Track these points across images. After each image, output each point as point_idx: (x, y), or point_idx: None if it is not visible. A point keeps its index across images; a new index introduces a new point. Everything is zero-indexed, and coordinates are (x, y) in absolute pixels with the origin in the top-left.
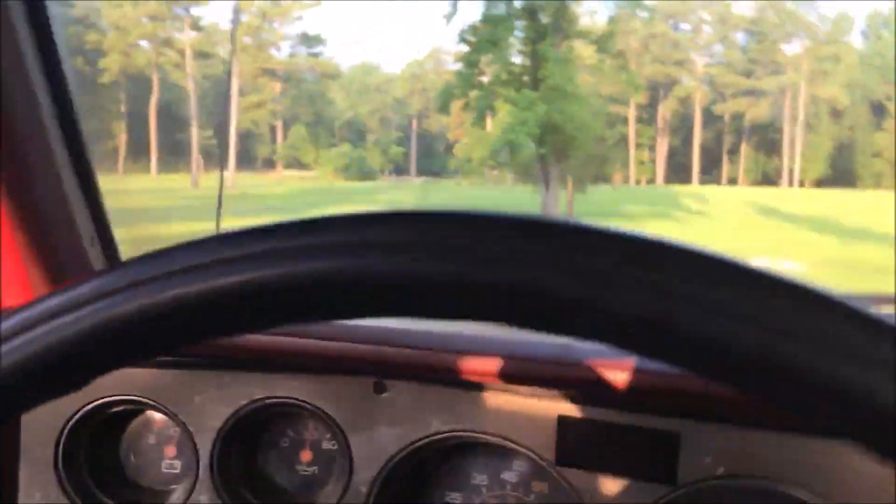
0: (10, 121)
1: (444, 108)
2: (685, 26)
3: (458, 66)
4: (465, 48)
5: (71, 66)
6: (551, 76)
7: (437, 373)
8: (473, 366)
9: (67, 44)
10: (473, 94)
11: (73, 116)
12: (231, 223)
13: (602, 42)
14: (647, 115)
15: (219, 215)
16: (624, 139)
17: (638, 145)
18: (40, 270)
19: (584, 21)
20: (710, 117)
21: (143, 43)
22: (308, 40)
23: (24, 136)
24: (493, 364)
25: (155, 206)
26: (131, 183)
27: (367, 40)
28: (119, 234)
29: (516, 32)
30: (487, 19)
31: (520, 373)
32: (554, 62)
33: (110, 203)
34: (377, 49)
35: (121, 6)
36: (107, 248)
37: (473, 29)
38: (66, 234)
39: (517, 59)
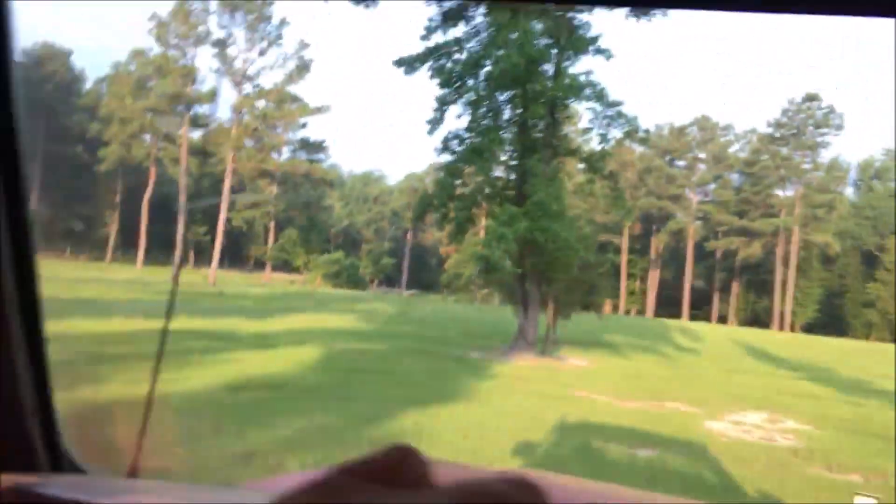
0: None
1: (418, 218)
2: (681, 163)
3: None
4: (447, 157)
5: (72, 153)
6: (536, 191)
7: None
8: None
9: (70, 132)
10: (452, 205)
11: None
12: (186, 322)
13: (593, 161)
14: (640, 246)
15: (168, 317)
16: (615, 268)
17: (629, 275)
18: None
19: (578, 143)
20: (702, 253)
21: (145, 137)
22: (309, 146)
23: None
24: None
25: (113, 298)
26: (109, 272)
27: (371, 149)
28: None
29: (504, 146)
30: (474, 129)
31: None
32: (540, 178)
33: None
34: (379, 157)
35: (123, 98)
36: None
37: (458, 138)
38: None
39: (502, 174)
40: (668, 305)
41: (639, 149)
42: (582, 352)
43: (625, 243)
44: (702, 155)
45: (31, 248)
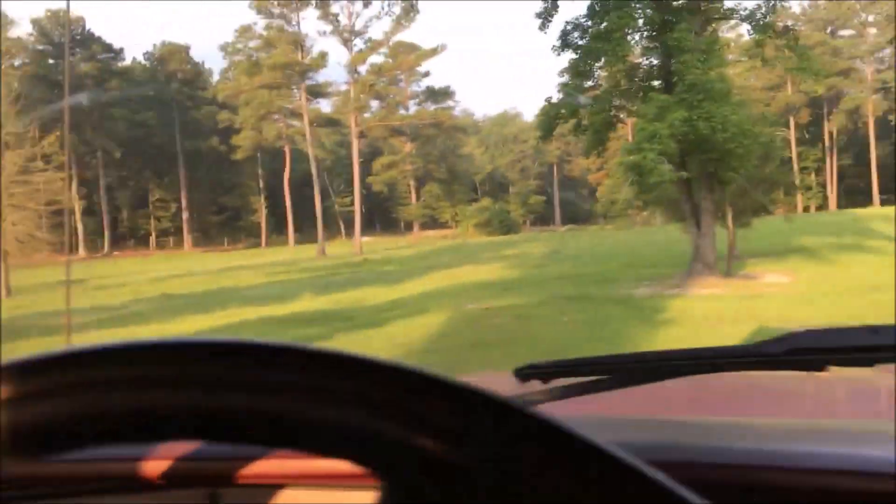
0: None
1: (546, 136)
2: (845, 32)
3: (563, 79)
4: (570, 55)
5: (208, 146)
6: (689, 70)
7: (268, 477)
8: (295, 467)
9: (203, 125)
10: (584, 111)
11: None
12: (308, 302)
13: (759, 18)
14: (810, 136)
15: None
16: (785, 163)
17: (801, 169)
18: None
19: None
20: (885, 129)
21: (274, 116)
22: (435, 95)
23: None
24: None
25: (249, 284)
26: (261, 257)
27: (501, 88)
28: None
29: (638, 23)
30: (597, 12)
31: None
32: (693, 52)
33: None
34: (511, 95)
35: (235, 80)
36: None
37: (579, 28)
38: None
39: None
40: (852, 194)
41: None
42: (776, 263)
43: (793, 133)
44: (870, 18)
45: None
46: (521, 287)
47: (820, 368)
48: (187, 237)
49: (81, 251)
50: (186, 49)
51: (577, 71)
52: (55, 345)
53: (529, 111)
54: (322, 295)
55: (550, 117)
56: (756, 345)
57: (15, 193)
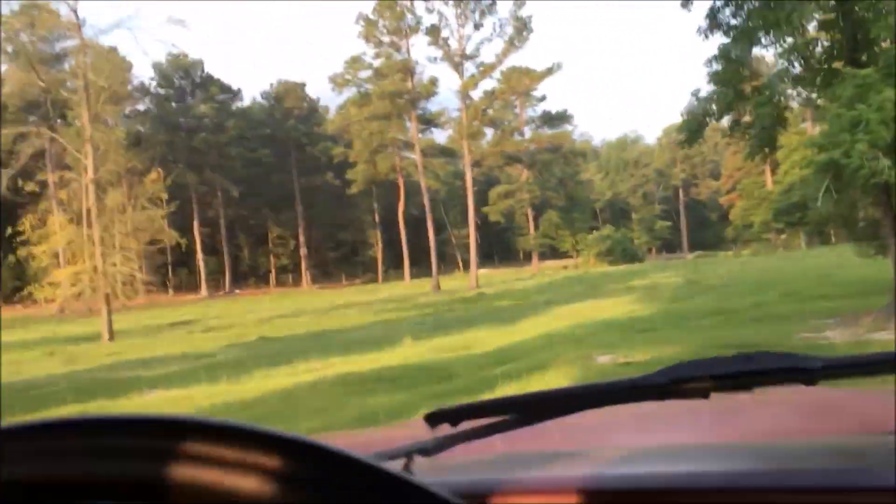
0: None
1: (693, 138)
2: None
3: (713, 68)
4: (720, 39)
5: (324, 182)
6: (883, 38)
7: None
8: None
9: (319, 161)
10: (744, 106)
11: None
12: (408, 350)
13: None
14: None
15: None
16: None
17: None
18: None
19: None
20: None
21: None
22: (552, 120)
23: None
24: None
25: (350, 325)
26: (374, 293)
27: (620, 111)
28: None
29: None
30: None
31: None
32: (887, 17)
33: None
34: (630, 119)
35: (345, 111)
36: None
37: (734, 2)
38: None
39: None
40: None
41: None
42: None
43: None
44: None
45: None
46: (661, 328)
47: (704, 396)
48: (305, 274)
49: (203, 290)
50: (302, 86)
51: (729, 57)
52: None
53: (651, 134)
54: (425, 339)
55: (698, 115)
56: (644, 376)
57: (116, 234)
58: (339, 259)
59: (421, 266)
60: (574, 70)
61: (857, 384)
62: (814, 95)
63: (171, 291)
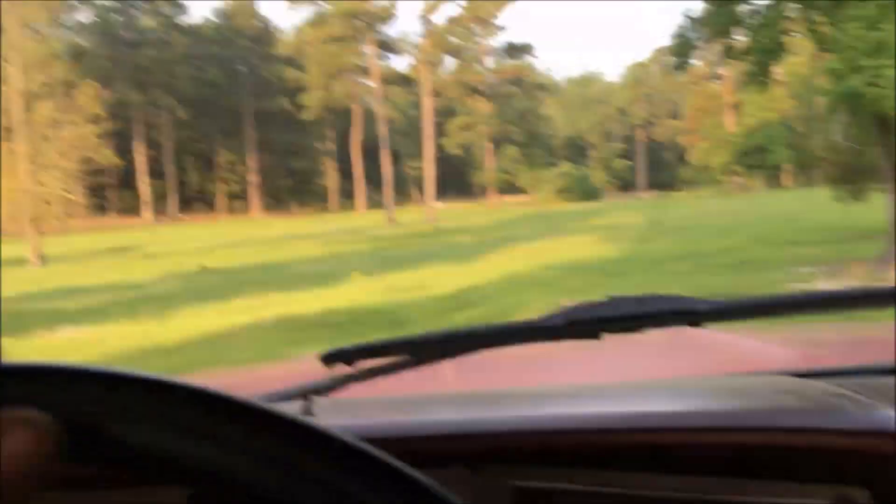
0: None
1: (682, 62)
2: None
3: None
4: None
5: (277, 106)
6: None
7: None
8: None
9: (271, 85)
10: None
11: None
12: (360, 286)
13: None
14: None
15: None
16: None
17: None
18: None
19: None
20: None
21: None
22: (514, 51)
23: None
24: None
25: (296, 258)
26: (326, 223)
27: (582, 46)
28: None
29: None
30: None
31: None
32: None
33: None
34: (592, 55)
35: (301, 31)
36: None
37: None
38: None
39: None
40: None
41: None
42: None
43: None
44: None
45: None
46: (631, 272)
47: (595, 336)
48: (256, 201)
49: (147, 215)
50: (254, 4)
51: None
52: None
53: (613, 72)
54: (378, 275)
55: (688, 39)
56: (540, 318)
57: (44, 151)
58: (292, 187)
59: (375, 198)
60: (536, 2)
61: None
62: (825, 19)
63: (115, 215)
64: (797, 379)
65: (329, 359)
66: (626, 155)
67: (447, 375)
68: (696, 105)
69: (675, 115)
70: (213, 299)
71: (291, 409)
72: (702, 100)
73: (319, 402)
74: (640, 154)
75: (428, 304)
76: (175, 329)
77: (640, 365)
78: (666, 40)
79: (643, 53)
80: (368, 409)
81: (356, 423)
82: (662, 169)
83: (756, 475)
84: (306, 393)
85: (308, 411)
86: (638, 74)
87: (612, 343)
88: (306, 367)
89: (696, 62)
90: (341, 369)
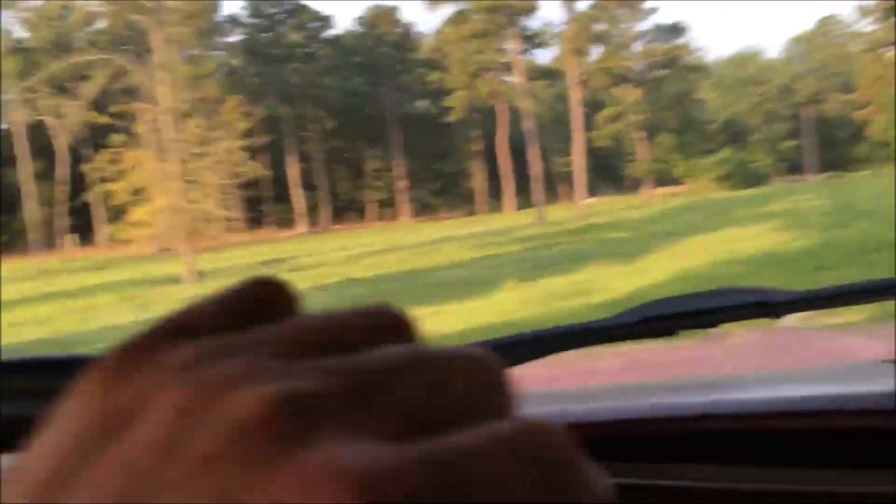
0: None
1: None
2: None
3: None
4: None
5: (421, 110)
6: None
7: None
8: None
9: (413, 88)
10: None
11: None
12: (507, 296)
13: None
14: None
15: None
16: None
17: None
18: None
19: None
20: None
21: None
22: (665, 33)
23: None
24: None
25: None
26: (473, 225)
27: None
28: None
29: None
30: None
31: None
32: None
33: None
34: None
35: (441, 31)
36: None
37: None
38: None
39: None
40: None
41: None
42: None
43: None
44: None
45: None
46: (834, 265)
47: (671, 334)
48: (404, 207)
49: (302, 226)
50: (394, 10)
51: None
52: None
53: (771, 48)
54: (532, 280)
55: None
56: (613, 317)
57: (195, 167)
58: (439, 190)
59: (524, 197)
60: None
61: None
62: None
63: (271, 228)
64: (891, 364)
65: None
66: (792, 135)
67: (527, 375)
68: (873, 74)
69: (846, 89)
70: None
71: None
72: (879, 68)
73: None
74: (808, 133)
75: (598, 315)
76: None
77: (721, 361)
78: (828, 9)
79: (805, 25)
80: None
81: None
82: (832, 147)
83: (858, 465)
84: None
85: None
86: (800, 48)
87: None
88: None
89: (872, 26)
90: None
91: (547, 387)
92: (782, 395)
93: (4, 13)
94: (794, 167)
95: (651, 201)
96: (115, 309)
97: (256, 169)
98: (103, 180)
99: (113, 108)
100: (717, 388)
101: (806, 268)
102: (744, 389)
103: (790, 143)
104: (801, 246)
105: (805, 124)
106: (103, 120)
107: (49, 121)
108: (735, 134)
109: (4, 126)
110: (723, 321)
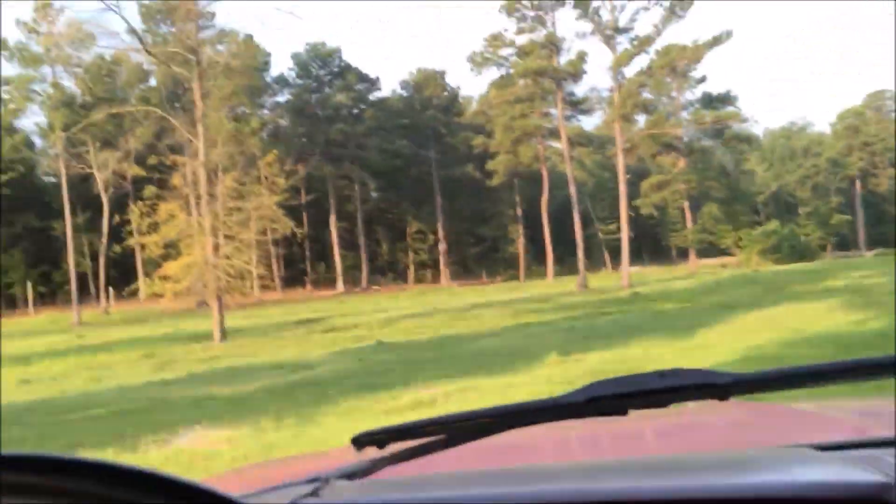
0: None
1: None
2: None
3: None
4: None
5: (463, 173)
6: None
7: None
8: None
9: (458, 151)
10: None
11: None
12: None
13: None
14: None
15: None
16: None
17: None
18: None
19: None
20: None
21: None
22: (713, 102)
23: None
24: None
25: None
26: (521, 290)
27: (786, 95)
28: None
29: None
30: None
31: None
32: None
33: None
34: (796, 104)
35: (487, 95)
36: None
37: None
38: None
39: None
40: None
41: None
42: None
43: None
44: None
45: None
46: None
47: (622, 412)
48: (444, 270)
49: (340, 286)
50: (441, 74)
51: None
52: None
53: (820, 122)
54: (577, 353)
55: None
56: (563, 395)
57: (227, 222)
58: (480, 255)
59: (564, 264)
60: (734, 47)
61: (772, 399)
62: None
63: (310, 287)
64: (814, 451)
65: (360, 442)
66: (841, 209)
67: (474, 455)
68: None
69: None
70: (375, 390)
71: (300, 492)
72: None
73: (337, 486)
74: (858, 208)
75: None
76: (310, 441)
77: (673, 441)
78: (879, 84)
79: (854, 100)
80: (399, 490)
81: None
82: (883, 224)
83: None
84: (328, 478)
85: (316, 494)
86: (851, 121)
87: (641, 419)
88: (342, 454)
89: None
90: (373, 453)
91: (488, 466)
92: (686, 482)
93: (56, 67)
94: (841, 242)
95: (696, 272)
96: (132, 367)
97: (291, 226)
98: (139, 233)
99: (151, 161)
100: (629, 471)
101: (883, 350)
102: (657, 473)
103: (843, 218)
104: (877, 327)
105: (855, 199)
106: (140, 172)
107: (94, 173)
108: (783, 206)
109: (53, 179)
110: (671, 401)
